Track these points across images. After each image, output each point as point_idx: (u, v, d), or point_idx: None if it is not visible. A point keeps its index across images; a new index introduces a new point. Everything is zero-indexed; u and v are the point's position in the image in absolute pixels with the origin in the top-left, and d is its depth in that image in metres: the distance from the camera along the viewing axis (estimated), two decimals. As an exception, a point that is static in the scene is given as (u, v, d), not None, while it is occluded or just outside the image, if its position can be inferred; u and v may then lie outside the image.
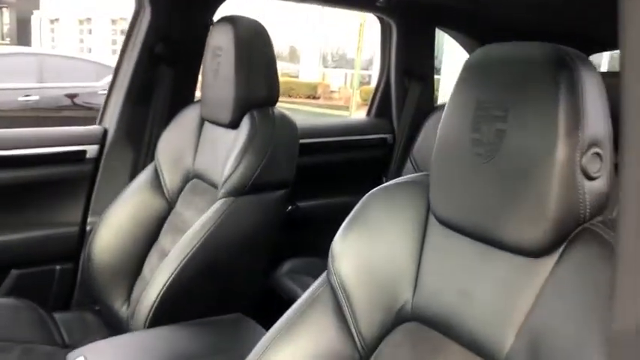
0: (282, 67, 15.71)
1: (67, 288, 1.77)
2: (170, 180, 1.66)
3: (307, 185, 2.02)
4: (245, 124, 1.47)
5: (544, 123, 0.72)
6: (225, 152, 1.49)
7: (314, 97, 13.83)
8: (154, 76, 1.81)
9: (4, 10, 15.77)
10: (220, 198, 1.41)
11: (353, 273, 0.93)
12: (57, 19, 16.42)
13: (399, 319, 0.90)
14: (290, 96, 13.39)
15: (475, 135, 0.80)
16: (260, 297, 1.60)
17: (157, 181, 1.67)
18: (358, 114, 10.63)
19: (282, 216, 1.54)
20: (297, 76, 15.57)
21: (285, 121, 1.52)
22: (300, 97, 13.54)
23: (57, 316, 1.61)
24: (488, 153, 0.78)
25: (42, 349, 1.46)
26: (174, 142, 1.69)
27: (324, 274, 0.98)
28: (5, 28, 16.27)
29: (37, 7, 13.62)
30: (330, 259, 0.96)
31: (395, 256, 0.92)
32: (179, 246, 1.38)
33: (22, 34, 14.85)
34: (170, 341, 1.24)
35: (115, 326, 1.58)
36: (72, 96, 6.26)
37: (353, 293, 0.92)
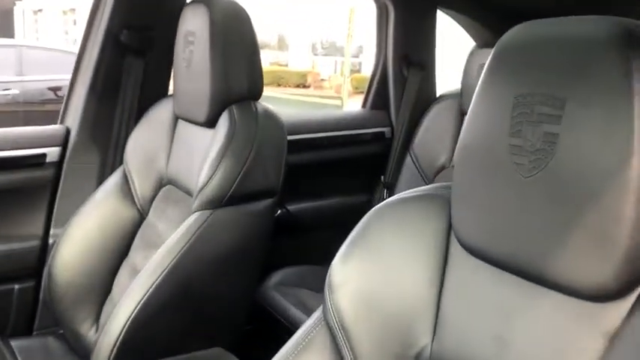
0: (270, 55, 15.50)
1: (28, 310, 1.56)
2: (141, 186, 1.46)
3: (297, 186, 1.82)
4: (223, 122, 1.26)
5: (613, 124, 0.53)
6: (201, 155, 1.29)
7: (304, 86, 13.60)
8: (121, 68, 1.59)
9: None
10: (195, 211, 1.21)
11: (354, 309, 0.74)
12: (40, 10, 16.06)
13: None
14: (279, 85, 13.17)
15: (514, 140, 0.61)
16: (245, 324, 1.40)
17: (126, 187, 1.47)
18: (350, 102, 10.42)
19: (270, 229, 1.33)
20: (286, 65, 15.33)
21: (271, 118, 1.31)
22: (290, 87, 13.31)
23: (15, 343, 1.42)
24: (533, 164, 0.60)
25: None
26: (145, 143, 1.49)
27: (319, 311, 0.78)
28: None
29: (19, -2, 13.32)
30: (326, 292, 0.76)
31: (408, 289, 0.72)
32: (149, 267, 1.18)
33: (5, 25, 14.51)
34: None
35: (81, 353, 1.39)
36: (55, 89, 6.01)
37: (355, 335, 0.73)
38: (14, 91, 5.90)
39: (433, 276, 0.72)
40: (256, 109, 1.30)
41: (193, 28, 1.32)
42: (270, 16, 13.45)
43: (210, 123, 1.30)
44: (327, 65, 15.04)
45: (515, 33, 0.65)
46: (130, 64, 1.59)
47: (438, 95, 2.09)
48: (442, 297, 0.71)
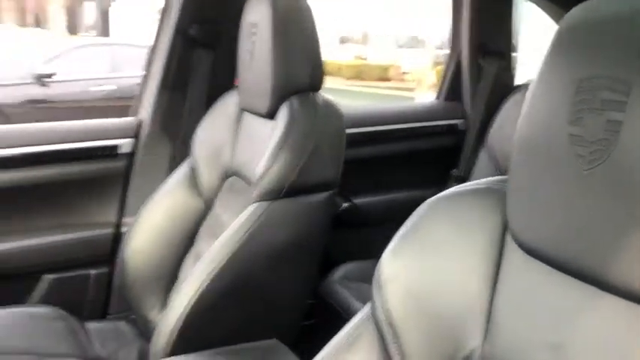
0: (354, 49, 15.48)
1: (103, 295, 1.63)
2: (207, 177, 1.49)
3: (364, 179, 1.79)
4: (283, 113, 1.25)
5: None
6: (262, 146, 1.29)
7: (386, 80, 13.46)
8: (191, 62, 1.62)
9: (86, 3, 16.38)
10: (253, 202, 1.21)
11: (403, 307, 0.70)
12: (134, 10, 16.87)
13: None
14: (362, 79, 13.11)
15: (574, 129, 0.56)
16: (305, 318, 1.39)
17: (193, 178, 1.50)
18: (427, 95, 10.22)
19: (328, 222, 1.31)
20: (366, 59, 15.25)
21: (330, 110, 1.29)
22: (372, 80, 13.21)
23: (90, 325, 1.49)
24: (593, 155, 0.54)
25: None
26: (212, 135, 1.51)
27: (367, 307, 0.75)
28: (89, 21, 16.87)
29: (115, -1, 14.07)
30: (374, 286, 0.73)
31: (460, 288, 0.68)
32: (208, 256, 1.20)
33: (102, 25, 15.37)
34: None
35: (149, 338, 1.43)
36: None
37: (403, 333, 0.69)
38: (110, 87, 6.22)
39: (486, 274, 0.67)
40: (316, 100, 1.28)
41: (256, 20, 1.32)
42: (353, 10, 13.43)
43: (271, 114, 1.30)
44: (411, 58, 14.83)
45: (580, 10, 0.59)
46: (199, 57, 1.62)
47: (516, 85, 1.98)
48: (495, 297, 0.66)
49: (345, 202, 1.83)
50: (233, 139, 1.48)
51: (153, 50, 1.68)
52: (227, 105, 1.52)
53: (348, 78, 13.78)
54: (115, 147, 1.61)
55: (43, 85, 6.20)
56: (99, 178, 1.62)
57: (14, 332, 1.35)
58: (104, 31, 14.79)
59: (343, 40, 17.14)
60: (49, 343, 1.34)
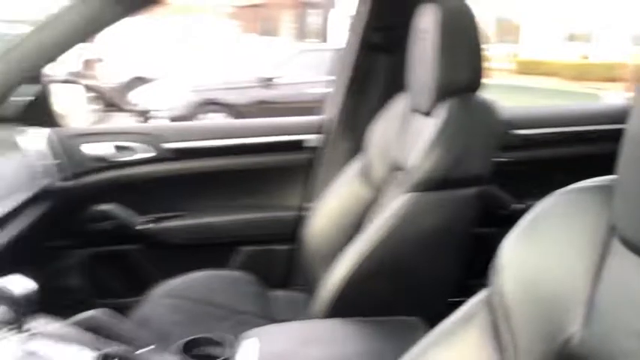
0: (581, 48, 14.33)
1: (286, 268, 1.89)
2: (377, 171, 1.63)
3: (539, 181, 1.78)
4: (440, 112, 1.34)
5: None
6: (421, 143, 1.40)
7: (612, 80, 12.23)
8: (371, 66, 1.79)
9: (311, 12, 17.68)
10: (405, 192, 1.32)
11: (516, 289, 0.76)
12: (348, 16, 17.74)
13: (562, 354, 0.71)
14: (584, 79, 12.10)
15: None
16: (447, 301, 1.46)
17: (366, 171, 1.66)
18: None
19: (474, 216, 1.37)
20: (588, 57, 14.00)
21: (486, 110, 1.35)
22: (595, 80, 12.10)
23: (276, 293, 1.73)
24: None
25: (255, 322, 1.59)
26: (383, 132, 1.66)
27: (485, 291, 0.83)
28: (313, 28, 18.17)
29: (333, 6, 14.97)
30: (493, 271, 0.81)
31: (566, 274, 0.72)
32: (363, 237, 1.35)
33: (323, 32, 16.46)
34: (336, 335, 1.21)
35: None
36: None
37: (514, 313, 0.76)
38: (321, 90, 6.74)
39: (590, 268, 0.71)
40: (473, 100, 1.34)
41: (425, 26, 1.43)
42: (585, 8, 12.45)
43: (432, 112, 1.40)
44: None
45: None
46: (378, 61, 1.78)
47: None
48: (597, 287, 0.70)
49: (518, 203, 1.83)
50: (400, 136, 1.61)
51: (340, 56, 1.88)
52: (397, 105, 1.65)
53: (570, 78, 12.84)
54: (301, 141, 1.86)
55: (268, 87, 6.99)
56: (287, 168, 1.88)
57: (215, 289, 1.65)
58: (325, 37, 15.85)
59: (571, 38, 15.97)
60: (241, 303, 1.61)
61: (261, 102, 6.91)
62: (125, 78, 8.02)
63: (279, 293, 1.75)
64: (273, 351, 1.17)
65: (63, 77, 2.04)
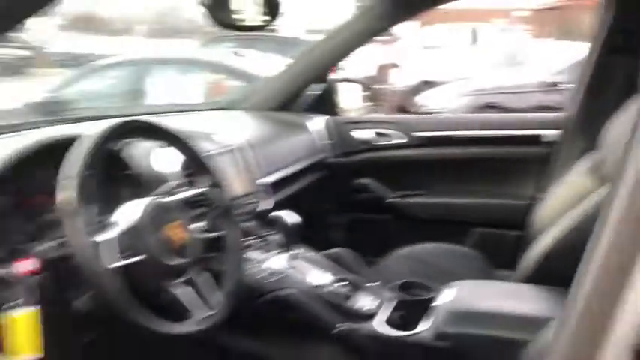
0: None
1: (512, 251, 2.05)
2: (609, 168, 1.70)
3: None
4: None
5: None
6: None
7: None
8: (611, 67, 1.85)
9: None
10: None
11: None
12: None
13: None
14: None
15: None
16: None
17: (596, 168, 1.74)
18: None
19: None
20: None
21: None
22: None
23: (499, 272, 1.92)
24: None
25: None
26: (615, 132, 1.71)
27: None
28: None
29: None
30: None
31: None
32: (571, 214, 1.47)
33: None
34: (528, 295, 1.38)
35: None
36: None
37: None
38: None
39: None
40: None
41: None
42: None
43: None
44: None
45: None
46: (619, 64, 1.83)
47: None
48: None
49: None
50: (629, 137, 1.65)
51: (585, 60, 1.98)
52: (634, 106, 1.69)
53: None
54: (539, 136, 2.01)
55: (552, 92, 6.83)
56: (523, 160, 2.05)
57: (446, 259, 1.89)
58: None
59: None
60: (466, 274, 1.82)
61: (543, 107, 6.76)
62: (413, 82, 8.62)
63: (504, 273, 1.93)
64: (466, 296, 1.41)
65: (343, 77, 2.54)
